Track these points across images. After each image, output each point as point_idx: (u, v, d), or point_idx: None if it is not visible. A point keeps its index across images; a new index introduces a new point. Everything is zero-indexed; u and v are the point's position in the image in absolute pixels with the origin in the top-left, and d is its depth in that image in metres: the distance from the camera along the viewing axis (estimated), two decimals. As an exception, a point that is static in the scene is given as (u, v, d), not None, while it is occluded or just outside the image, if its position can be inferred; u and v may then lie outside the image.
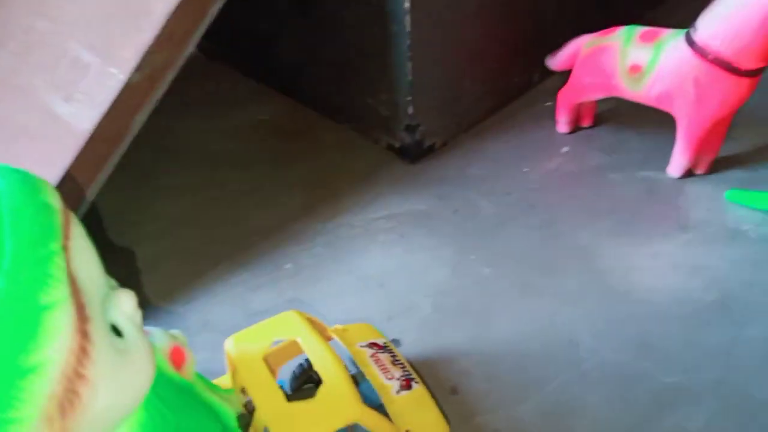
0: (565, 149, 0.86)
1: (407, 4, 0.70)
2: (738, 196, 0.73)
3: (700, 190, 0.76)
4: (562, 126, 0.87)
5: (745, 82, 0.67)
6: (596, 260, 0.69)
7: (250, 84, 1.01)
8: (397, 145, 0.85)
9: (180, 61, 0.63)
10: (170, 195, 0.82)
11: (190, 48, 0.63)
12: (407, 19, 0.71)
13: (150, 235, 0.76)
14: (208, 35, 0.64)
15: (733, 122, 0.74)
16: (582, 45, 0.80)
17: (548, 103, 0.93)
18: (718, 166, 0.79)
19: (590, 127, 0.88)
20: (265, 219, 0.77)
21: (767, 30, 0.62)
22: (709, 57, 0.66)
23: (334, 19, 0.81)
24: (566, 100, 0.84)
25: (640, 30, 0.74)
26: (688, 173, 0.78)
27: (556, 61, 0.86)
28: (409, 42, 0.73)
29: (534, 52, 0.91)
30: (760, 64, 0.66)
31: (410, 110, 0.79)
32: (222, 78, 1.03)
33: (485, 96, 0.89)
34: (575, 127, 0.87)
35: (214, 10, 0.63)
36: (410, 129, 0.81)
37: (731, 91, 0.67)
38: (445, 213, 0.77)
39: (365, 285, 0.68)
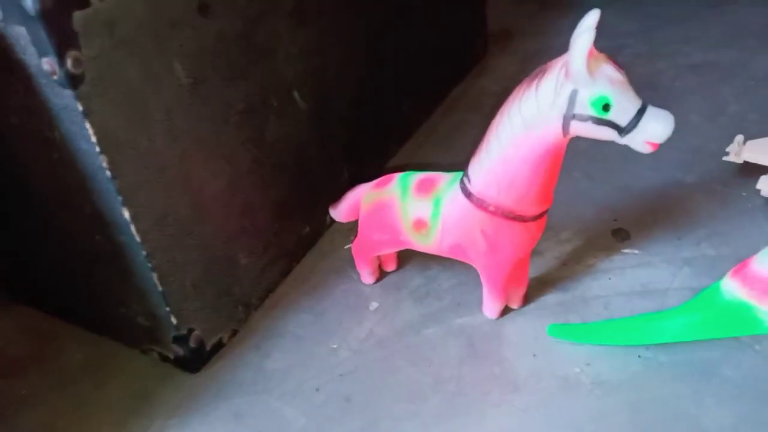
0: (374, 305, 0.75)
1: (127, 214, 0.55)
2: (560, 331, 0.67)
3: (520, 330, 0.69)
4: (366, 277, 0.76)
5: (533, 226, 0.61)
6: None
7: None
8: (170, 356, 0.68)
9: None
10: None
11: None
12: (132, 229, 0.56)
13: None
14: None
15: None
16: (361, 197, 0.71)
17: (348, 246, 0.83)
18: (531, 292, 0.73)
19: (396, 270, 0.79)
20: None
21: (541, 178, 0.57)
22: (490, 208, 0.59)
23: (52, 225, 0.63)
24: (361, 255, 0.74)
25: (415, 180, 0.66)
26: (505, 310, 0.72)
27: (339, 214, 0.76)
28: (146, 252, 0.58)
29: (317, 194, 0.80)
30: (543, 208, 0.60)
31: (174, 320, 0.63)
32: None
33: (272, 263, 0.75)
34: (381, 274, 0.78)
35: None
36: (180, 340, 0.65)
37: (522, 236, 0.61)
38: (246, 439, 0.62)
39: None
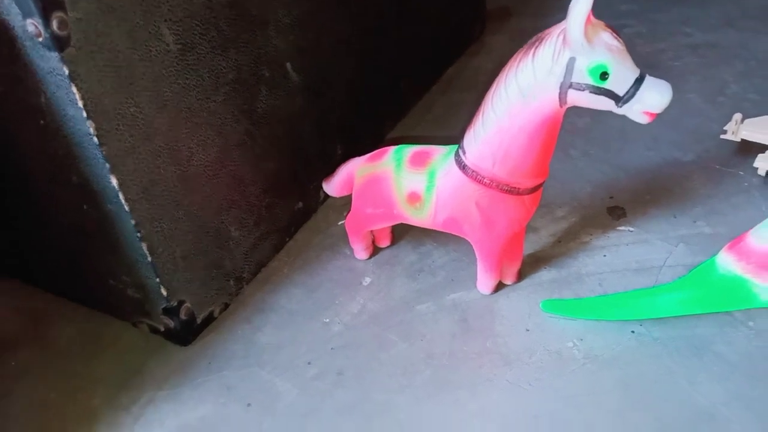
0: (367, 281, 0.74)
1: (115, 182, 0.54)
2: (554, 306, 0.67)
3: (514, 306, 0.69)
4: (360, 253, 0.76)
5: (527, 199, 0.60)
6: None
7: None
8: (161, 328, 0.67)
9: None
10: None
11: None
12: (121, 197, 0.55)
13: None
14: None
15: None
16: (354, 171, 0.70)
17: (342, 222, 0.83)
18: (526, 269, 0.73)
19: (390, 246, 0.79)
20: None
21: (537, 149, 0.56)
22: (485, 181, 0.58)
23: (40, 197, 0.62)
24: (354, 230, 0.73)
25: (409, 153, 0.65)
26: (499, 286, 0.71)
27: (332, 188, 0.75)
28: (134, 221, 0.57)
29: (311, 170, 0.79)
30: (539, 181, 0.59)
31: (164, 292, 0.63)
32: None
33: (263, 237, 0.75)
34: (374, 250, 0.77)
35: None
36: (170, 311, 0.64)
37: (516, 209, 0.61)
38: (237, 412, 0.61)
39: None
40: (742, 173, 0.82)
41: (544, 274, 0.72)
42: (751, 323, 0.64)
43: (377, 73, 0.92)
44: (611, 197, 0.83)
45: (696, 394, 0.58)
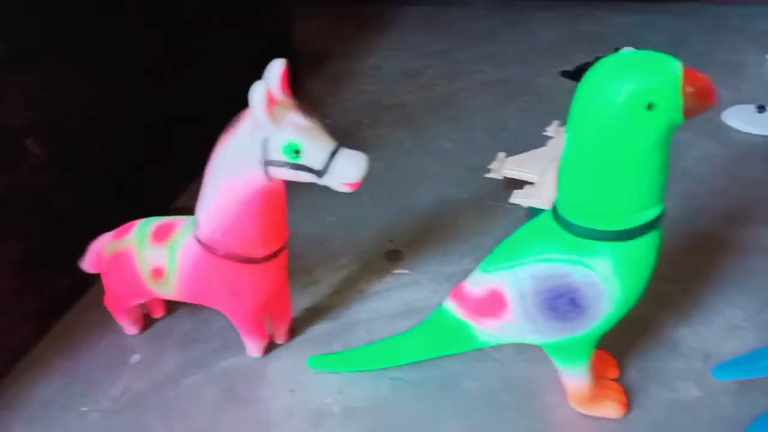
0: (135, 358, 0.71)
1: None
2: (319, 362, 0.68)
3: (283, 366, 0.69)
4: (129, 329, 0.72)
5: (271, 266, 0.61)
6: None
7: None
8: None
9: None
10: None
11: None
12: None
13: None
14: None
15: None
16: (103, 248, 0.67)
17: (119, 294, 0.79)
18: (300, 324, 0.73)
19: (165, 316, 0.76)
20: None
21: (261, 219, 0.57)
22: (220, 252, 0.58)
23: None
24: (114, 308, 0.70)
25: (153, 226, 0.64)
26: (271, 346, 0.71)
27: (86, 265, 0.71)
28: None
29: (79, 244, 0.73)
30: (275, 247, 0.60)
31: None
32: None
33: (14, 326, 0.69)
34: (147, 322, 0.75)
35: None
36: None
37: (260, 278, 0.61)
38: None
39: None
40: (509, 207, 0.89)
41: (318, 328, 0.73)
42: (497, 355, 0.68)
43: (160, 134, 0.90)
44: (391, 241, 0.86)
45: (438, 434, 0.61)
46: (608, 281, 0.50)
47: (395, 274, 0.80)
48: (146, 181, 0.88)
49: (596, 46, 1.34)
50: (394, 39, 1.51)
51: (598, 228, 0.49)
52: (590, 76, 0.46)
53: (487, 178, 0.92)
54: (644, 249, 0.50)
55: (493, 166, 0.89)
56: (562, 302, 0.52)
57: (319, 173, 0.52)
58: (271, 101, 0.50)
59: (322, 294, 0.78)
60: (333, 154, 0.52)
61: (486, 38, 1.48)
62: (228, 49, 1.07)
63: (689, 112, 0.44)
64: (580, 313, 0.52)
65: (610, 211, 0.48)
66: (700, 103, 0.43)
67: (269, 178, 0.54)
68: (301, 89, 1.27)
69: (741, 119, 1.09)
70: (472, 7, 1.66)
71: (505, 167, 0.89)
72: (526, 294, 0.53)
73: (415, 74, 1.32)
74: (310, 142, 0.52)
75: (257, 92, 0.49)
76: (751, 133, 1.06)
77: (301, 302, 0.76)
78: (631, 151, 0.45)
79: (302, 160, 0.52)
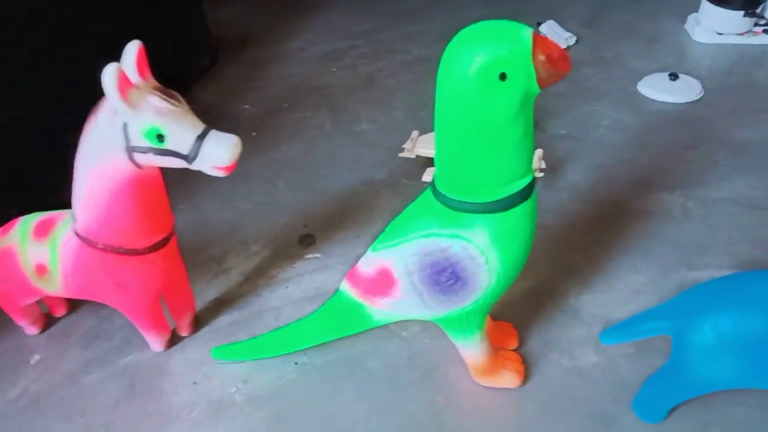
0: (35, 358, 0.69)
1: None
2: (223, 352, 0.67)
3: (187, 359, 0.67)
4: (29, 329, 0.70)
5: (158, 257, 0.59)
6: None
7: None
8: None
9: None
10: None
11: None
12: None
13: None
14: None
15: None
16: (-15, 248, 0.65)
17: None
18: (206, 315, 0.72)
19: (68, 314, 0.74)
20: None
21: (138, 208, 0.55)
22: (99, 246, 0.56)
23: None
24: (7, 309, 0.67)
25: (35, 223, 0.61)
26: (174, 339, 0.70)
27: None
28: None
29: None
30: (158, 237, 0.58)
31: None
32: None
33: None
34: (47, 322, 0.72)
35: None
36: None
37: (147, 269, 0.59)
38: None
39: None
40: (422, 185, 0.89)
41: (225, 318, 0.72)
42: (404, 333, 0.68)
43: (60, 132, 0.86)
44: (305, 225, 0.85)
45: (340, 415, 0.60)
46: (486, 252, 0.51)
47: (307, 258, 0.79)
48: (37, 176, 0.84)
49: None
50: (320, 21, 1.49)
51: (472, 201, 0.50)
52: (447, 50, 0.46)
53: (402, 158, 0.92)
54: (519, 219, 0.50)
55: (406, 145, 0.89)
56: (445, 276, 0.52)
57: (187, 158, 0.51)
58: (126, 84, 0.48)
59: (231, 283, 0.76)
60: (201, 137, 0.51)
61: (412, 17, 1.47)
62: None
63: (544, 81, 0.44)
64: (462, 285, 0.52)
65: (481, 184, 0.49)
66: (553, 71, 0.43)
67: (137, 165, 0.52)
68: (221, 76, 1.24)
69: (654, 88, 1.11)
70: (401, -14, 1.65)
71: (417, 146, 0.89)
72: (411, 270, 0.53)
73: (339, 56, 1.30)
74: (174, 125, 0.50)
75: (108, 75, 0.47)
76: (663, 101, 1.08)
77: (209, 293, 0.75)
78: (491, 122, 0.45)
79: (167, 145, 0.50)
